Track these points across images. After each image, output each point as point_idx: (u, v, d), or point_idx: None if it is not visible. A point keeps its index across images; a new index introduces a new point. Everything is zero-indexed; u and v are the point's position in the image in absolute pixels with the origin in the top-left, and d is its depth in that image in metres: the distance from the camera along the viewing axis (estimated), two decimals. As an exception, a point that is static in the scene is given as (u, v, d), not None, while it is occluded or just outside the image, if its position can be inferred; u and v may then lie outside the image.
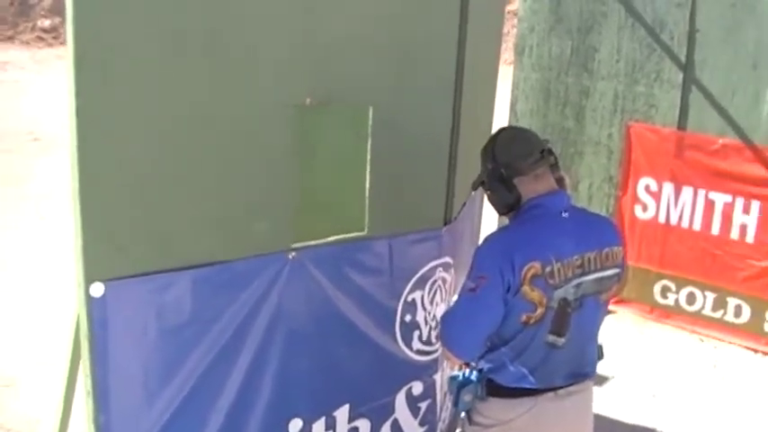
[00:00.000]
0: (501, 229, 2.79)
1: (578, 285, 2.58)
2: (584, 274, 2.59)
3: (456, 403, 2.75)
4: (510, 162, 2.67)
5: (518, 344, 2.59)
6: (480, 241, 2.81)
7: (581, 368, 2.72)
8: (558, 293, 2.54)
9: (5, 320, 5.74)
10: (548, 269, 2.52)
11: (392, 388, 3.31)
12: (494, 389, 2.68)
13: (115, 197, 2.24)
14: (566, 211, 2.66)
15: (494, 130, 3.04)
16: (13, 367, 5.07)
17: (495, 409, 2.70)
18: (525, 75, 6.68)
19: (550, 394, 2.65)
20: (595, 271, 2.62)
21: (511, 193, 2.67)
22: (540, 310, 2.53)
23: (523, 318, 2.54)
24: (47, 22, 14.30)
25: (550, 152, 2.74)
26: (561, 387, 2.67)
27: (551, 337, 2.56)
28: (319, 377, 2.96)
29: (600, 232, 2.73)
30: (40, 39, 14.21)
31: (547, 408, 2.65)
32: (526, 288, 2.50)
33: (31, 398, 4.64)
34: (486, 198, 2.93)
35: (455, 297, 3.19)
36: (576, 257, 2.58)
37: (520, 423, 2.66)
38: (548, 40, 6.50)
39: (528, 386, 2.61)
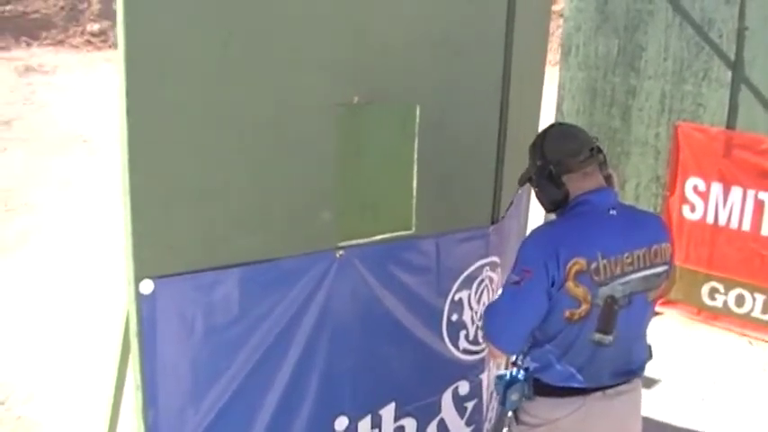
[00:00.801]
0: (547, 224, 2.77)
1: (626, 283, 2.55)
2: (632, 271, 2.57)
3: (503, 402, 2.74)
4: (559, 159, 2.65)
5: (563, 341, 2.58)
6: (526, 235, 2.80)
7: (629, 367, 2.69)
8: (604, 290, 2.52)
9: (56, 318, 5.85)
10: (593, 266, 2.50)
11: (438, 387, 3.30)
12: (541, 388, 2.66)
13: (165, 195, 2.27)
14: (613, 209, 2.63)
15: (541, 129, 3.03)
16: (55, 359, 5.16)
17: (543, 408, 2.68)
18: (571, 74, 6.64)
19: (598, 394, 2.63)
20: (644, 268, 2.59)
21: (559, 190, 2.66)
22: (584, 307, 2.51)
23: (567, 314, 2.52)
24: (96, 26, 14.52)
25: (599, 150, 2.72)
26: (609, 386, 2.64)
27: (597, 336, 2.53)
28: (365, 375, 2.96)
29: (648, 229, 2.70)
30: (89, 42, 14.43)
31: (595, 407, 2.63)
32: (570, 284, 2.48)
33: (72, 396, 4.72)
34: (533, 195, 2.91)
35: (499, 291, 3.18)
36: (624, 255, 2.55)
37: (567, 423, 2.64)
38: (594, 40, 6.45)
39: (576, 385, 2.59)
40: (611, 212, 2.62)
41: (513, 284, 2.57)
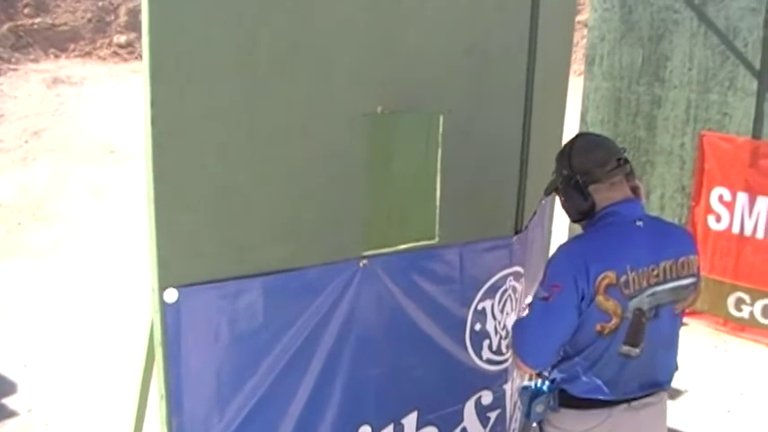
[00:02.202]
0: (575, 238, 2.75)
1: (653, 295, 2.54)
2: (659, 283, 2.55)
3: (528, 414, 2.72)
4: (587, 169, 2.64)
5: (592, 354, 2.56)
6: (553, 251, 2.79)
7: (657, 378, 2.67)
8: (633, 303, 2.50)
9: (84, 326, 5.90)
10: (622, 279, 2.49)
11: (461, 396, 3.29)
12: (566, 400, 2.64)
13: (189, 204, 2.29)
14: (640, 220, 2.62)
15: (565, 139, 3.02)
16: (83, 367, 5.20)
17: (568, 420, 2.67)
18: (596, 84, 6.62)
19: (624, 406, 2.61)
20: (671, 280, 2.58)
21: (586, 200, 2.64)
22: (614, 320, 2.50)
23: (598, 327, 2.51)
24: (122, 38, 14.64)
25: (626, 160, 2.70)
26: (635, 398, 2.63)
27: (625, 348, 2.52)
28: (388, 384, 2.96)
29: (675, 241, 2.68)
30: (116, 54, 14.55)
31: (621, 419, 2.61)
32: (600, 298, 2.47)
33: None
34: (557, 205, 2.91)
35: (526, 304, 3.16)
36: (651, 267, 2.54)
37: None
38: (618, 49, 6.43)
39: (602, 397, 2.58)
40: (638, 224, 2.61)
41: (542, 300, 2.55)
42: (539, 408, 2.69)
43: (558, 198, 2.85)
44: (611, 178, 2.64)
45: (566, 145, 2.80)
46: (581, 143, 2.75)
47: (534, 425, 2.82)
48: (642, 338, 2.53)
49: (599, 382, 2.57)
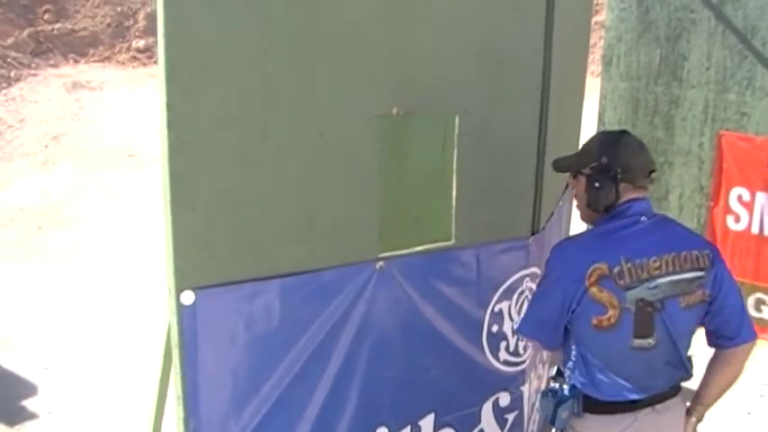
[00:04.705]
0: (569, 237, 2.79)
1: (656, 287, 2.52)
2: (660, 275, 2.54)
3: (552, 421, 2.70)
4: (629, 167, 2.63)
5: (598, 351, 2.56)
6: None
7: (677, 372, 2.66)
8: (633, 294, 2.50)
9: (104, 329, 5.94)
10: (615, 269, 2.49)
11: (478, 398, 3.29)
12: (590, 404, 2.62)
13: (205, 207, 2.30)
14: (644, 215, 2.62)
15: (582, 140, 3.01)
16: (102, 369, 5.23)
17: (593, 426, 2.64)
18: (613, 85, 6.59)
19: (648, 410, 2.60)
20: (673, 273, 2.56)
21: (614, 194, 2.63)
22: (611, 312, 2.49)
23: (594, 321, 2.51)
24: (141, 43, 14.73)
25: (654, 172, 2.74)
26: (663, 396, 2.62)
27: (637, 342, 2.52)
28: (405, 386, 2.97)
29: (680, 236, 2.67)
30: (135, 59, 14.64)
31: (645, 423, 2.60)
32: (594, 289, 2.48)
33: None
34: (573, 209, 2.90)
35: None
36: (651, 259, 2.53)
37: None
38: (636, 49, 6.40)
39: (631, 396, 2.56)
40: (642, 219, 2.61)
41: (537, 288, 2.75)
42: (564, 414, 2.66)
43: (575, 189, 2.83)
44: (641, 184, 2.66)
45: (609, 135, 2.78)
46: (629, 140, 2.71)
47: (553, 430, 2.80)
48: (652, 329, 2.52)
49: (622, 381, 2.56)
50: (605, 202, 2.65)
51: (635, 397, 2.57)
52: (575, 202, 2.91)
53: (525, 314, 2.79)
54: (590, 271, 2.48)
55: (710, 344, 2.72)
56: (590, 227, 2.79)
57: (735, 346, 2.66)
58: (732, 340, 2.66)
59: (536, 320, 2.69)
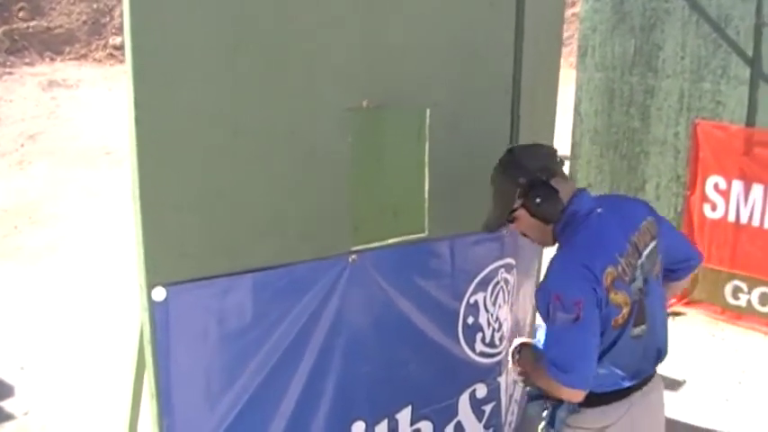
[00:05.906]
0: (560, 252, 2.62)
1: (641, 268, 2.55)
2: (639, 257, 2.56)
3: (551, 423, 2.67)
4: (543, 165, 2.61)
5: (606, 347, 2.52)
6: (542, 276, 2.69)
7: (659, 348, 2.69)
8: (635, 286, 2.53)
9: (80, 328, 5.90)
10: (619, 269, 2.49)
11: (455, 390, 3.29)
12: (587, 399, 2.51)
13: (175, 203, 2.29)
14: (598, 207, 2.60)
15: (557, 131, 3.01)
16: (79, 369, 5.20)
17: (590, 419, 2.62)
18: (588, 75, 6.60)
19: (638, 393, 2.62)
20: (644, 249, 2.59)
21: (558, 194, 2.57)
22: (625, 310, 2.50)
23: (613, 323, 2.49)
24: (118, 40, 14.61)
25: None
26: (648, 377, 2.65)
27: (637, 330, 2.55)
28: (381, 380, 2.96)
29: (628, 211, 2.69)
30: (111, 56, 14.54)
31: (638, 406, 2.63)
32: (612, 294, 2.46)
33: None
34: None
35: (540, 333, 3.02)
36: (628, 246, 2.54)
37: (615, 429, 2.61)
38: (611, 40, 6.41)
39: (624, 384, 2.58)
40: (598, 211, 2.59)
41: (572, 323, 2.39)
42: (563, 413, 2.64)
43: (522, 229, 2.76)
44: (561, 170, 2.66)
45: (505, 161, 2.71)
46: (520, 150, 2.74)
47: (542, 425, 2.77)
48: (645, 315, 2.56)
49: (618, 371, 2.56)
50: (558, 205, 2.58)
51: (629, 384, 2.59)
52: (532, 244, 2.89)
53: (586, 367, 2.43)
54: (605, 278, 2.44)
55: (670, 280, 2.80)
56: (557, 247, 2.69)
57: (693, 269, 2.84)
58: (688, 262, 2.83)
59: (588, 362, 2.45)
